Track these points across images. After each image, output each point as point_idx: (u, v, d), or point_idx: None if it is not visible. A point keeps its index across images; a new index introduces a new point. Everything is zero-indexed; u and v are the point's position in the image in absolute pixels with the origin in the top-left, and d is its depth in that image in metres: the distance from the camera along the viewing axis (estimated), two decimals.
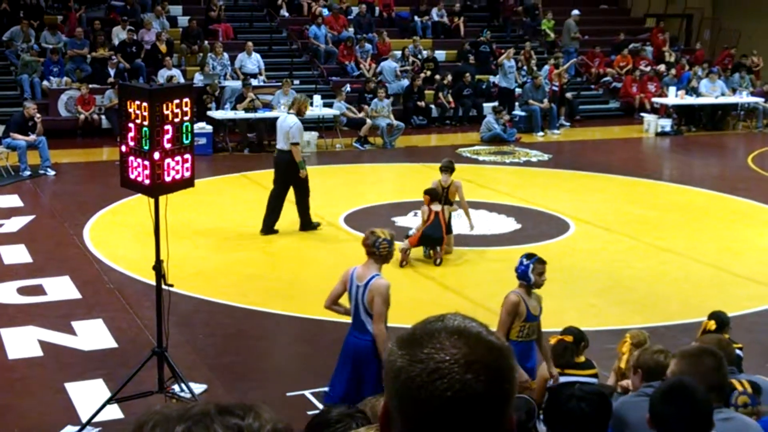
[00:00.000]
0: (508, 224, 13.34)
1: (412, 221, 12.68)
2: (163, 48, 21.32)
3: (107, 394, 7.23)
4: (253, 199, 14.80)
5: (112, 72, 20.32)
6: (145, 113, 6.65)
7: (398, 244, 11.51)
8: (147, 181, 6.75)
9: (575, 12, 25.28)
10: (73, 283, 10.42)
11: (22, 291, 10.18)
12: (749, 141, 21.89)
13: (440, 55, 24.07)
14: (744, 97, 23.47)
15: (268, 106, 19.39)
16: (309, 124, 20.21)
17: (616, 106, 24.57)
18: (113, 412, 7.09)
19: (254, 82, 20.45)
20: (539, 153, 19.14)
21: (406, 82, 22.25)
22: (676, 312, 9.83)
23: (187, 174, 6.95)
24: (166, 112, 6.70)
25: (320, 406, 7.32)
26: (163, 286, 7.05)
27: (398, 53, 23.27)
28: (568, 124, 22.65)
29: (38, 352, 8.52)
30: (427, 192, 11.40)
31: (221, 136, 18.89)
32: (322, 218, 13.14)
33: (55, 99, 19.62)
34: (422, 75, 22.64)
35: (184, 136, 6.87)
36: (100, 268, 11.06)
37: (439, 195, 11.42)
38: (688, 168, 19.30)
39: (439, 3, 25.79)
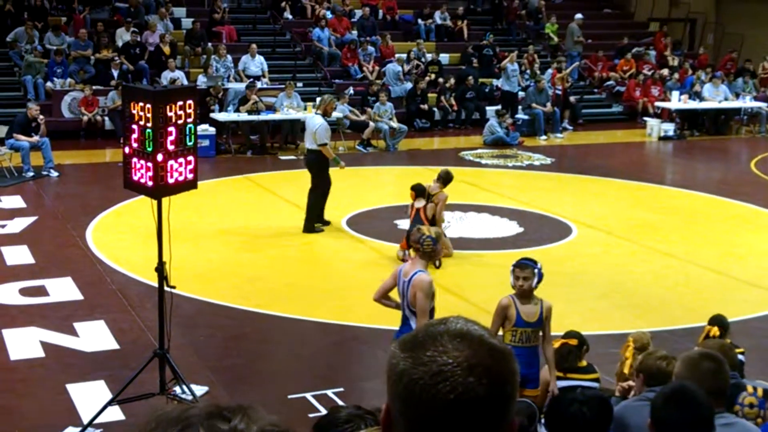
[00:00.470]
0: (510, 228, 13.34)
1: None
2: (166, 50, 21.34)
3: (109, 396, 7.24)
4: (255, 202, 14.83)
5: (115, 73, 20.35)
6: (149, 115, 6.65)
7: (399, 253, 11.59)
8: (150, 183, 6.75)
9: (578, 16, 25.28)
10: (75, 284, 10.43)
11: (24, 292, 10.19)
12: (752, 146, 21.88)
13: (444, 58, 24.08)
14: (747, 102, 23.47)
15: (271, 108, 19.40)
16: None
17: (619, 110, 24.57)
18: (114, 414, 7.09)
19: (258, 84, 20.47)
20: (542, 156, 19.14)
21: (409, 85, 22.26)
22: (678, 316, 9.82)
23: (190, 176, 6.96)
24: (169, 113, 6.71)
25: (321, 408, 7.32)
26: (165, 288, 7.05)
27: (404, 56, 23.26)
28: (571, 127, 22.66)
29: (40, 353, 8.53)
30: (413, 188, 11.53)
31: (224, 138, 18.91)
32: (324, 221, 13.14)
33: (59, 100, 19.65)
34: (427, 78, 22.66)
35: (188, 137, 6.88)
36: (102, 269, 11.07)
37: (425, 192, 11.49)
38: (690, 172, 19.30)
39: (442, 6, 25.81)
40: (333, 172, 12.93)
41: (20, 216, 13.35)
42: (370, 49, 23.15)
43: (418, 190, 11.47)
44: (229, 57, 21.46)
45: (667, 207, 15.09)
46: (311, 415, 7.07)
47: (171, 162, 6.77)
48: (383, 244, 12.22)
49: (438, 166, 17.48)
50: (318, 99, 19.83)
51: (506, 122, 20.71)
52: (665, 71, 24.99)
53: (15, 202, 14.23)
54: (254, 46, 21.85)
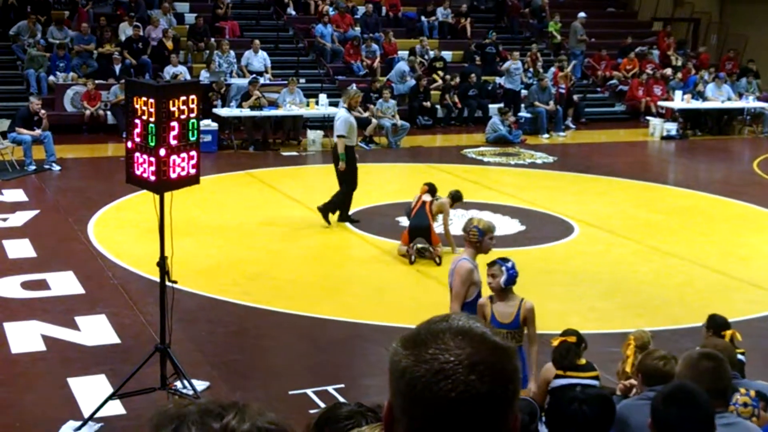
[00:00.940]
0: (512, 226, 13.33)
1: None
2: (169, 45, 21.34)
3: (109, 390, 7.25)
4: (257, 197, 14.83)
5: (116, 68, 20.35)
6: (152, 110, 6.66)
7: (401, 249, 11.60)
8: (152, 178, 6.76)
9: (582, 14, 25.26)
10: (77, 278, 10.44)
11: (25, 285, 10.20)
12: (755, 146, 21.86)
13: (446, 55, 24.07)
14: (750, 102, 23.45)
15: (273, 104, 19.40)
16: (314, 123, 20.29)
17: (621, 110, 24.55)
18: (115, 408, 7.10)
19: (260, 80, 20.46)
20: (544, 155, 19.13)
21: (412, 82, 22.25)
22: (680, 316, 9.82)
23: (193, 171, 6.96)
24: (172, 108, 6.71)
25: (322, 404, 7.32)
26: (167, 283, 7.06)
27: (413, 57, 23.17)
28: (573, 126, 22.65)
29: (41, 347, 8.53)
30: (427, 183, 11.69)
31: (226, 134, 18.91)
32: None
33: (61, 94, 19.66)
34: (435, 75, 22.68)
35: (191, 133, 6.88)
36: (104, 263, 11.07)
37: (435, 193, 11.57)
38: (693, 172, 19.29)
39: (444, 2, 25.79)
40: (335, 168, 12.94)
41: (22, 210, 13.35)
42: (374, 46, 23.13)
43: (431, 188, 11.57)
44: (232, 52, 21.46)
45: (669, 206, 15.08)
46: (312, 411, 7.08)
47: (173, 157, 6.77)
48: (385, 241, 12.22)
49: (440, 164, 17.52)
50: (320, 95, 19.95)
51: (509, 120, 20.70)
52: (668, 71, 24.97)
53: (17, 195, 14.24)
54: (257, 41, 21.85)
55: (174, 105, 6.71)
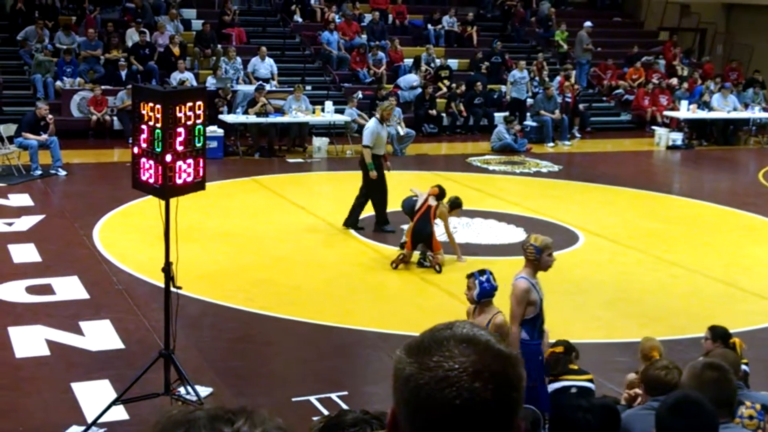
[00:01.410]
0: (516, 234, 13.32)
1: None
2: (176, 51, 21.39)
3: (113, 395, 7.25)
4: (262, 204, 14.84)
5: (123, 74, 20.40)
6: (158, 115, 6.68)
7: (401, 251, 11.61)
8: (158, 183, 6.77)
9: (588, 24, 25.28)
10: (82, 283, 10.45)
11: (30, 290, 10.21)
12: (760, 156, 21.84)
13: (453, 63, 24.08)
14: (756, 113, 23.42)
15: (279, 111, 19.43)
16: (320, 130, 20.30)
17: (627, 119, 24.55)
18: (119, 413, 7.10)
19: (266, 86, 20.49)
20: (549, 164, 19.13)
21: (418, 90, 22.27)
22: (684, 326, 9.80)
23: (199, 177, 6.98)
24: (179, 114, 6.73)
25: (325, 411, 7.31)
26: (172, 289, 7.06)
27: (423, 67, 23.20)
28: (579, 135, 22.64)
29: (45, 352, 8.54)
30: (437, 185, 11.71)
31: (232, 140, 18.94)
32: (331, 225, 13.16)
33: (68, 99, 19.70)
34: (441, 84, 22.69)
35: (197, 139, 6.90)
36: (108, 268, 11.08)
37: (444, 196, 11.62)
38: (698, 182, 19.27)
39: (450, 10, 25.81)
40: (353, 176, 13.04)
41: (28, 214, 13.38)
42: (380, 54, 23.15)
43: (442, 192, 11.61)
44: (239, 59, 21.50)
45: (674, 216, 15.07)
46: (315, 418, 7.07)
47: (179, 163, 6.78)
48: (390, 249, 12.22)
49: (445, 172, 17.51)
50: (326, 102, 19.96)
51: (514, 129, 20.70)
52: (674, 80, 24.97)
53: (23, 200, 14.26)
54: (264, 48, 21.88)
55: (180, 111, 6.73)
